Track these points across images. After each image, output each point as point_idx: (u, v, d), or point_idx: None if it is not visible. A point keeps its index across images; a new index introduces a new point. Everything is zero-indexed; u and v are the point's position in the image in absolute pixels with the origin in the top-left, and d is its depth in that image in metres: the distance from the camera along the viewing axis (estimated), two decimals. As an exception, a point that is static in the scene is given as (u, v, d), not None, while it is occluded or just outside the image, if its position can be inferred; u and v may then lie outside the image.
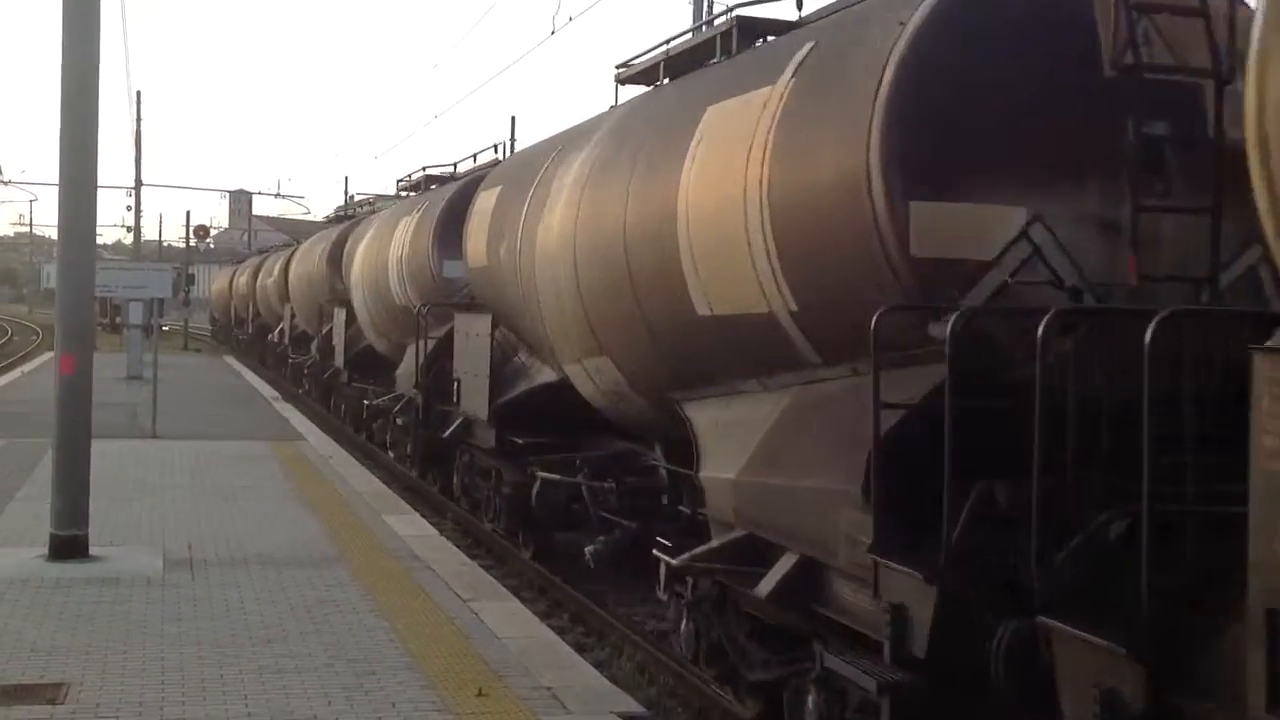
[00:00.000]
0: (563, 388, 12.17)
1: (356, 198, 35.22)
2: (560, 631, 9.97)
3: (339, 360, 25.78)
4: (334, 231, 30.32)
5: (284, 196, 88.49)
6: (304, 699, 7.13)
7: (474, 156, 20.49)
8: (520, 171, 13.84)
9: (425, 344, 16.88)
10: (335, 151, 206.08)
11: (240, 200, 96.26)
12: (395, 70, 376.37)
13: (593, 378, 11.23)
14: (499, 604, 9.67)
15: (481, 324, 14.22)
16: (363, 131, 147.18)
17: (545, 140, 14.39)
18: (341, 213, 36.53)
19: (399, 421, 19.47)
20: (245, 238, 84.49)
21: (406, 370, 18.70)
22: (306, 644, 8.23)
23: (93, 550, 10.53)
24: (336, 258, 27.18)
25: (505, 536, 14.35)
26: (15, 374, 32.46)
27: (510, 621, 9.10)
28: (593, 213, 10.57)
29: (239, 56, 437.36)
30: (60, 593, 9.44)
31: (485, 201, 14.65)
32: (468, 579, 10.44)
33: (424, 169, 22.72)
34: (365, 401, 22.55)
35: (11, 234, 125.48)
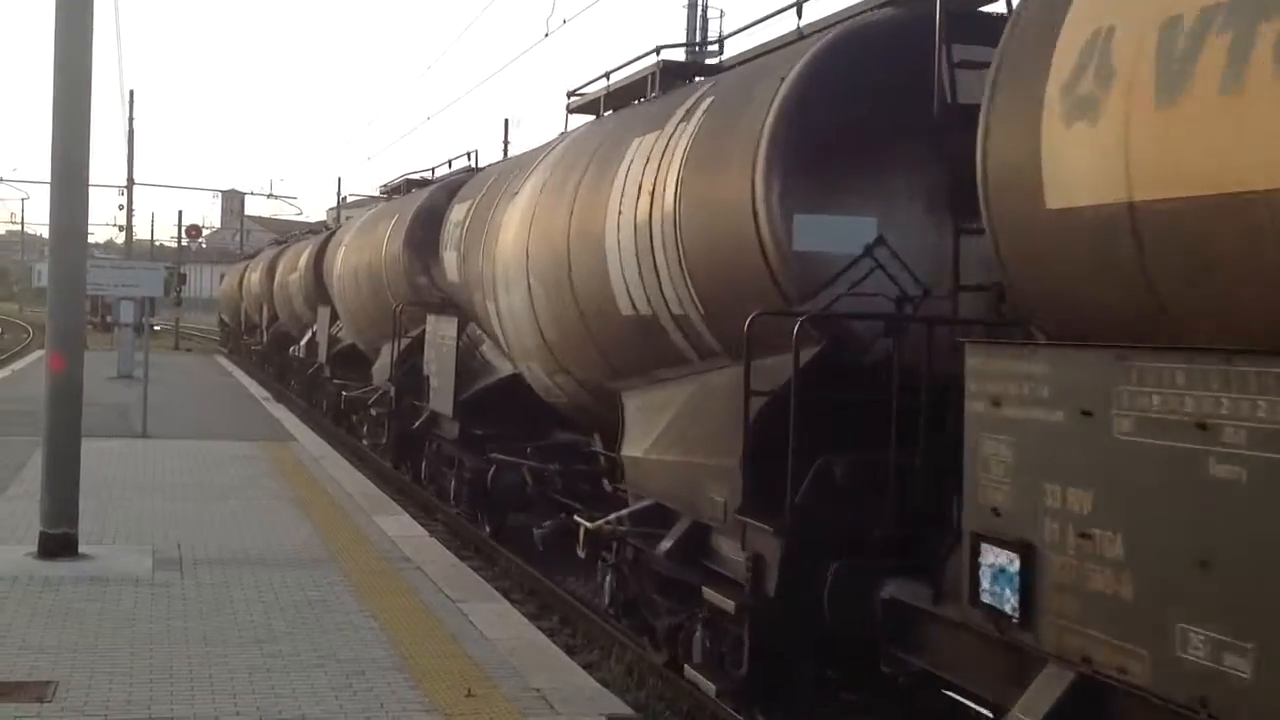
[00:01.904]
0: None
1: (349, 199, 33.78)
2: (550, 633, 9.99)
3: (441, 402, 16.06)
4: (412, 203, 20.01)
5: (276, 197, 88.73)
6: (293, 699, 7.13)
7: (799, 9, 9.47)
8: None
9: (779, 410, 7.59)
10: (328, 152, 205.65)
11: (232, 200, 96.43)
12: (388, 72, 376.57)
13: None
14: (489, 605, 9.68)
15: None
16: (356, 133, 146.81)
17: None
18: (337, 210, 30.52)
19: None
20: (237, 238, 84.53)
21: (694, 475, 8.88)
22: (296, 644, 8.24)
23: (82, 549, 10.52)
24: (427, 239, 18.31)
25: None
26: (6, 372, 32.36)
27: (500, 623, 9.11)
28: None
29: (232, 56, 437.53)
30: (49, 591, 9.43)
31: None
32: (458, 580, 10.44)
33: (656, 49, 11.63)
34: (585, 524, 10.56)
35: (3, 232, 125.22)
